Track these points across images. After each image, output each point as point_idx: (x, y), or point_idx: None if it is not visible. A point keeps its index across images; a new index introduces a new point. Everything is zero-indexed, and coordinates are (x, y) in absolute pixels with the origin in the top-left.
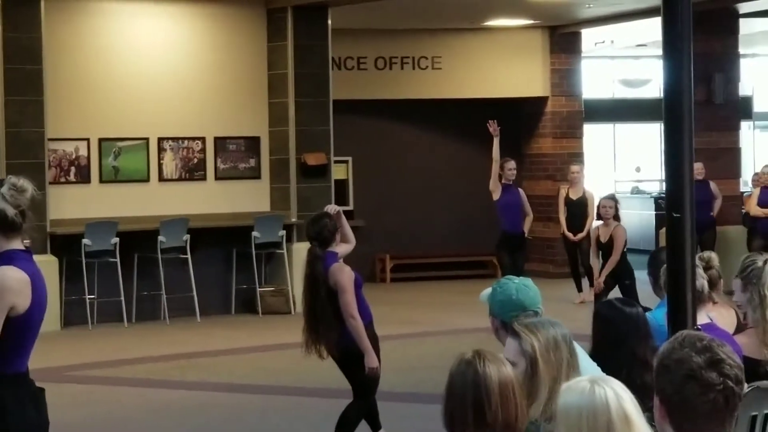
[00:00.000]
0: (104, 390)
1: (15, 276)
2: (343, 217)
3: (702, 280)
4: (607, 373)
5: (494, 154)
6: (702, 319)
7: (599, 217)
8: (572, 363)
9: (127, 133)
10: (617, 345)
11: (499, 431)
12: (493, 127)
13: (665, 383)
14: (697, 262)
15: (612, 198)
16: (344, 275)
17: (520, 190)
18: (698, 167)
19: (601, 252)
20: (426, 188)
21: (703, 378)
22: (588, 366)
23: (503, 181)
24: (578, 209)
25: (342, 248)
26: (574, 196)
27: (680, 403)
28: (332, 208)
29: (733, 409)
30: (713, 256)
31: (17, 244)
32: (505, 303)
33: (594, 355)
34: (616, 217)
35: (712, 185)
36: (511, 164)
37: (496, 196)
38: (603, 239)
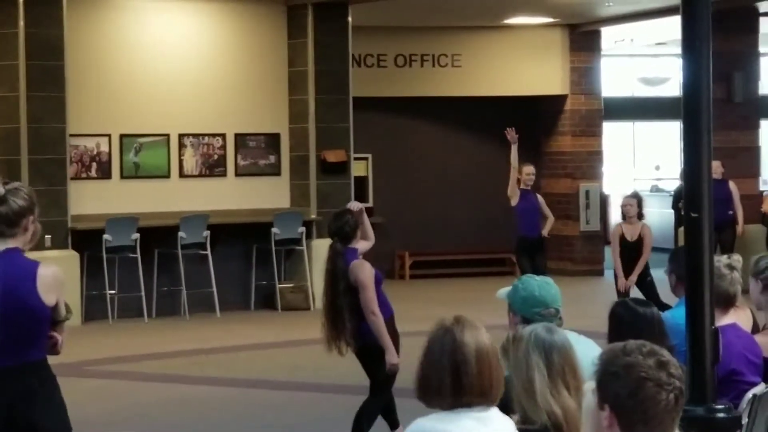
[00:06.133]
0: (124, 385)
1: None
2: (365, 215)
3: (738, 286)
4: None
5: (512, 160)
6: (729, 320)
7: (623, 216)
8: (552, 369)
9: (148, 129)
10: None
11: (475, 398)
12: (510, 134)
13: (617, 389)
14: (735, 264)
15: (635, 196)
16: (365, 272)
17: (538, 195)
18: (716, 166)
19: (626, 251)
20: (445, 185)
21: (656, 378)
22: None
23: (521, 186)
24: None
25: (362, 245)
26: None
27: (636, 406)
28: (355, 205)
29: (681, 408)
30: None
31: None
32: (527, 299)
33: None
34: (640, 216)
35: (731, 184)
36: (530, 169)
37: (514, 201)
38: (630, 238)
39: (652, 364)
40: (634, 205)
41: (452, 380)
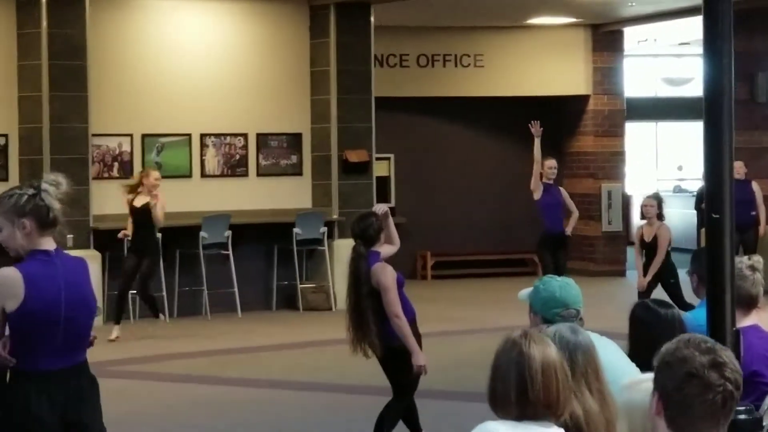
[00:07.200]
0: (145, 385)
1: (2, 274)
2: (390, 219)
3: (760, 287)
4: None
5: (536, 154)
6: (750, 321)
7: (643, 216)
8: (575, 370)
9: (170, 129)
10: (653, 346)
11: (540, 411)
12: (535, 127)
13: (666, 379)
14: (756, 266)
15: (655, 197)
16: (386, 275)
17: (562, 189)
18: (738, 166)
19: (644, 251)
20: (467, 186)
21: (704, 377)
22: (625, 366)
23: (544, 180)
24: None
25: (386, 249)
26: None
27: (679, 400)
28: (380, 208)
29: (729, 411)
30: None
31: (47, 244)
32: (548, 300)
33: (631, 356)
34: (660, 216)
35: (754, 185)
36: (552, 163)
37: (537, 195)
38: (647, 238)
39: (706, 362)
40: (654, 205)
41: (518, 392)
